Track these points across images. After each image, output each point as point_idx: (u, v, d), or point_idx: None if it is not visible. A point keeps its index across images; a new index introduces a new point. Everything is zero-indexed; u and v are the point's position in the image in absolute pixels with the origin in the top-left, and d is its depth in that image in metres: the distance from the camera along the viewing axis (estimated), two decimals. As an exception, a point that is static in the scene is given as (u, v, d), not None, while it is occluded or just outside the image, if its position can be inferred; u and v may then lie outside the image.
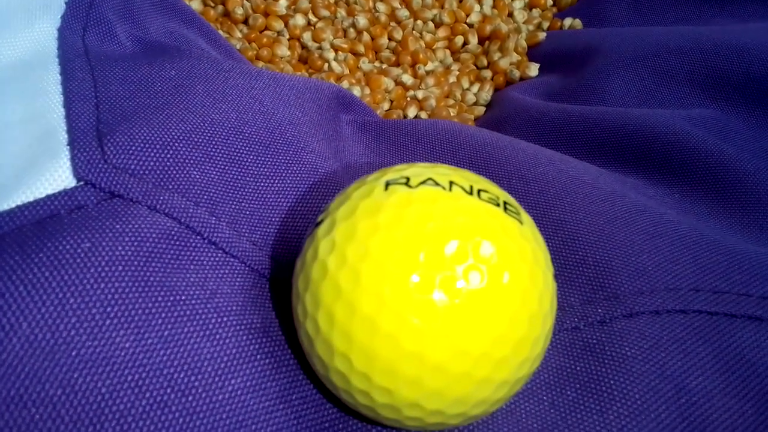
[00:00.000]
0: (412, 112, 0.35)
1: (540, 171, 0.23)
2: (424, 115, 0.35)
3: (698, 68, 0.32)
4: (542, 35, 0.41)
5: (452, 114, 0.35)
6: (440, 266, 0.13)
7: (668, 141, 0.27)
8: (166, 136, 0.17)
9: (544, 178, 0.23)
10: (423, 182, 0.14)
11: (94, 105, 0.18)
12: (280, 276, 0.17)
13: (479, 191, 0.14)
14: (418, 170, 0.14)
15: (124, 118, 0.17)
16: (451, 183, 0.14)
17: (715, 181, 0.25)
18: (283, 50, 0.39)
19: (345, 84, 0.35)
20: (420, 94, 0.36)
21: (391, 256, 0.13)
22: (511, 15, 0.44)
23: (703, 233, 0.20)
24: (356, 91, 0.34)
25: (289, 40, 0.40)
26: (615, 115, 0.30)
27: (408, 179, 0.14)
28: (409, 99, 0.36)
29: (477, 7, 0.43)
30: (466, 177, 0.14)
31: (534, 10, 0.44)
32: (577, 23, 0.42)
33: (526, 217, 0.15)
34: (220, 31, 0.40)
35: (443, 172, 0.14)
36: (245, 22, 0.41)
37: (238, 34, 0.40)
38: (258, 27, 0.40)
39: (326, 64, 0.38)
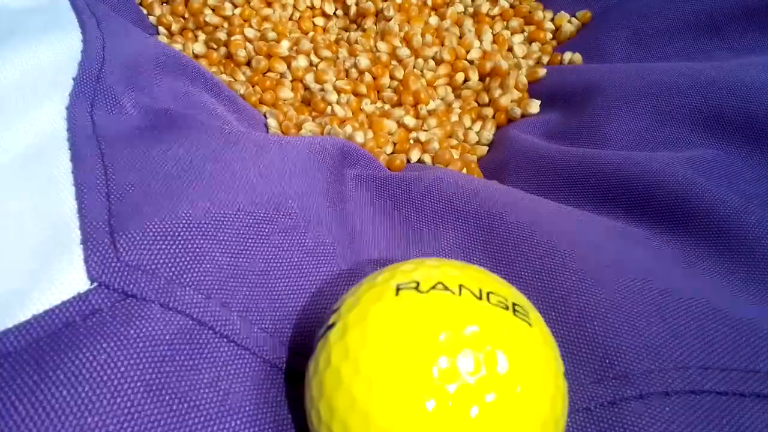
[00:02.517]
0: (415, 155, 0.36)
1: (544, 232, 0.23)
2: (427, 158, 0.36)
3: (699, 107, 0.33)
4: (542, 71, 0.41)
5: (455, 157, 0.36)
6: (453, 379, 0.13)
7: (671, 190, 0.27)
8: (176, 225, 0.18)
9: (548, 241, 0.23)
10: (433, 287, 0.14)
11: (105, 195, 0.18)
12: (292, 365, 0.18)
13: (488, 294, 0.14)
14: (427, 272, 0.15)
15: (135, 209, 0.18)
16: (461, 287, 0.14)
17: (719, 234, 0.25)
18: (286, 93, 0.39)
19: (348, 128, 0.36)
20: (423, 137, 0.36)
21: (405, 368, 0.13)
22: (510, 49, 0.44)
23: (709, 301, 0.20)
24: (359, 137, 0.35)
25: (291, 81, 0.41)
26: (617, 161, 0.30)
27: (418, 284, 0.14)
28: (412, 142, 0.37)
29: (477, 44, 0.43)
30: (475, 278, 0.15)
31: (534, 43, 0.45)
32: (577, 58, 0.42)
33: (534, 316, 0.15)
34: (224, 75, 0.40)
35: (452, 273, 0.14)
36: (248, 64, 0.41)
37: (242, 77, 0.40)
38: (261, 69, 0.40)
39: (329, 107, 0.38)
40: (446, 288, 0.14)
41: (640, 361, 0.18)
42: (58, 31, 0.23)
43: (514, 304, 0.14)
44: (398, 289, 0.14)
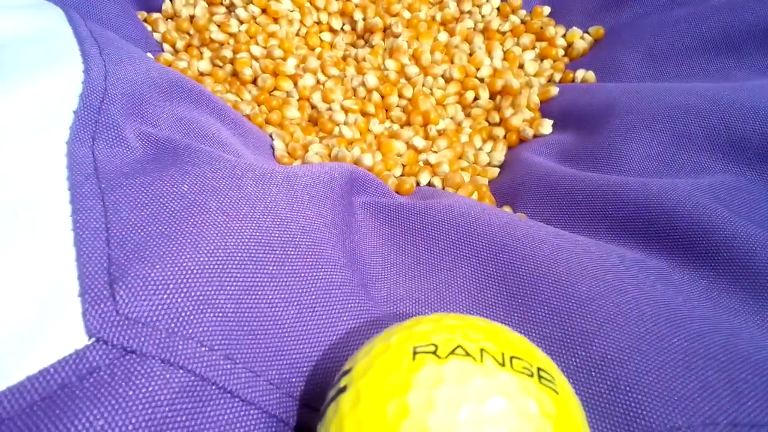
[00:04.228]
0: (424, 178, 0.35)
1: (562, 270, 0.23)
2: (437, 181, 0.35)
3: (718, 131, 0.32)
4: (555, 90, 0.40)
5: (466, 180, 0.35)
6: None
7: (692, 221, 0.26)
8: (179, 273, 0.17)
9: (567, 280, 0.22)
10: (452, 351, 0.13)
11: (104, 240, 0.17)
12: (301, 418, 0.17)
13: (512, 359, 0.13)
14: (446, 335, 0.14)
15: (136, 255, 0.17)
16: (482, 351, 0.13)
17: (742, 268, 0.24)
18: (292, 112, 0.39)
19: (356, 150, 0.35)
20: (432, 159, 0.36)
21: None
22: (522, 67, 0.43)
23: (736, 347, 0.19)
24: (368, 159, 0.34)
25: (298, 100, 0.40)
26: (635, 188, 0.29)
27: (436, 348, 0.13)
28: (421, 164, 0.36)
29: (487, 61, 0.42)
30: (497, 339, 0.14)
31: (545, 60, 0.44)
32: (590, 76, 0.41)
33: (560, 380, 0.14)
34: (229, 94, 0.39)
35: (473, 336, 0.14)
36: (254, 82, 0.41)
37: (248, 96, 0.39)
38: (267, 88, 0.40)
39: (337, 128, 0.37)
40: (467, 353, 0.13)
41: (667, 416, 0.17)
42: (58, 62, 0.22)
43: (539, 370, 0.13)
44: (415, 354, 0.13)
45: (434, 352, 0.13)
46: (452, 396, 0.12)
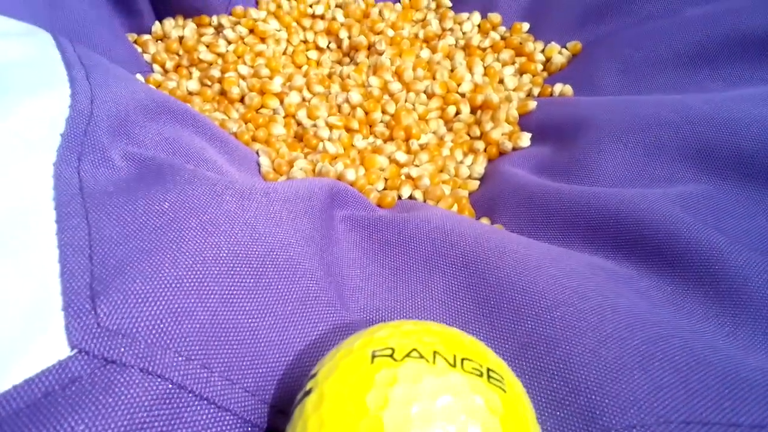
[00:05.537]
0: (406, 192, 0.36)
1: (530, 279, 0.24)
2: (418, 194, 0.36)
3: (689, 142, 0.33)
4: (533, 104, 0.41)
5: (447, 192, 0.36)
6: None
7: (660, 229, 0.27)
8: (158, 286, 0.18)
9: (533, 288, 0.23)
10: (407, 354, 0.14)
11: (88, 257, 0.18)
12: (274, 423, 0.18)
13: (463, 360, 0.14)
14: (402, 339, 0.15)
15: (118, 270, 0.18)
16: (435, 354, 0.14)
17: (705, 275, 0.25)
18: (278, 129, 0.40)
19: (339, 165, 0.36)
20: (414, 172, 0.37)
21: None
22: (501, 82, 0.45)
23: (693, 350, 0.20)
24: (351, 174, 0.35)
25: (284, 117, 0.41)
26: (607, 198, 0.30)
27: (393, 351, 0.14)
28: (403, 178, 0.37)
29: (468, 77, 0.44)
30: (450, 343, 0.15)
31: (524, 75, 0.45)
32: (568, 90, 0.43)
33: (509, 380, 0.15)
34: (217, 113, 0.41)
35: (428, 339, 0.15)
36: (242, 100, 0.42)
37: (235, 115, 0.41)
38: (254, 106, 0.41)
39: (321, 144, 0.38)
40: (421, 356, 0.14)
41: (623, 415, 0.18)
42: (46, 87, 0.23)
43: (489, 370, 0.14)
44: (373, 357, 0.14)
45: (391, 356, 0.14)
46: (405, 394, 0.13)
